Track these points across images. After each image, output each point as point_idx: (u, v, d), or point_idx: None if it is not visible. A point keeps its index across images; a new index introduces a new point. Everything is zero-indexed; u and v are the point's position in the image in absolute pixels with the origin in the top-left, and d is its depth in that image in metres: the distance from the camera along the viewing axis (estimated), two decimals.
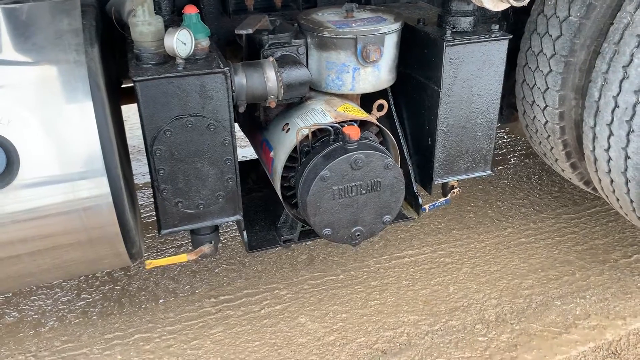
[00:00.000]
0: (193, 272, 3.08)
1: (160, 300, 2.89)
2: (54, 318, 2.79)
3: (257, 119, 2.30)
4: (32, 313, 2.83)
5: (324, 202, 1.95)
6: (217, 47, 2.44)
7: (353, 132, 1.91)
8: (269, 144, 2.21)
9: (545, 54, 2.51)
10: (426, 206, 2.42)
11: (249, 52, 2.19)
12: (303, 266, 3.09)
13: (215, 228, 2.15)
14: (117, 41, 2.21)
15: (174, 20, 2.18)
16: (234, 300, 2.87)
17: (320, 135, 2.05)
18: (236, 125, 2.73)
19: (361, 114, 2.12)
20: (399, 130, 2.41)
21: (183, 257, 2.08)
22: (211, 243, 2.13)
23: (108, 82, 1.95)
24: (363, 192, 1.99)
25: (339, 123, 2.01)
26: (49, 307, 2.86)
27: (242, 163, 2.87)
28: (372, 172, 1.97)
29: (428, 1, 2.84)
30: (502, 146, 4.35)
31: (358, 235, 2.06)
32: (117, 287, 2.99)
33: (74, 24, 1.80)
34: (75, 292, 2.96)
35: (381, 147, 2.03)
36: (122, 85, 2.54)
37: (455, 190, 2.45)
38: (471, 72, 2.15)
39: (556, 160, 2.83)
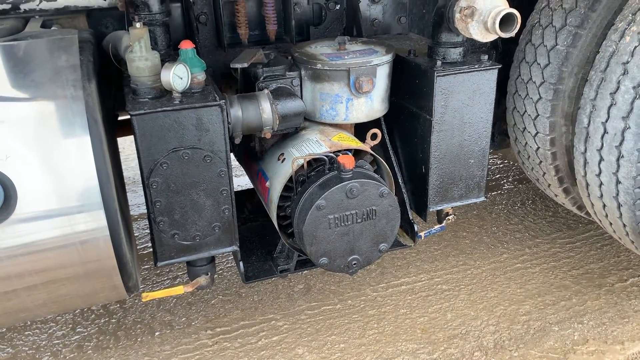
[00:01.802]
0: (189, 304, 3.06)
1: (157, 333, 2.87)
2: (49, 353, 2.76)
3: (252, 149, 2.33)
4: (27, 348, 2.79)
5: (320, 231, 1.96)
6: (213, 80, 2.49)
7: (348, 161, 1.93)
8: (264, 174, 2.23)
9: (534, 82, 2.56)
10: (422, 233, 2.43)
11: (244, 85, 2.23)
12: (300, 296, 3.08)
13: (212, 259, 2.15)
14: (113, 74, 2.24)
15: (169, 54, 2.22)
16: (231, 332, 2.85)
17: (316, 165, 2.07)
18: (232, 155, 2.78)
19: (355, 143, 2.15)
20: (393, 159, 2.44)
21: (179, 289, 2.08)
22: (207, 274, 2.13)
23: (105, 116, 1.98)
24: (359, 220, 2.01)
25: (333, 152, 2.04)
26: (44, 342, 2.83)
27: (237, 193, 2.89)
28: (368, 201, 1.98)
29: (418, 33, 2.91)
30: (495, 172, 4.39)
31: (355, 264, 2.07)
32: (113, 320, 2.96)
33: (72, 60, 1.84)
34: (71, 325, 2.93)
35: (376, 176, 2.05)
36: (118, 118, 2.57)
37: (450, 217, 2.46)
38: (462, 101, 2.19)
39: (549, 185, 2.86)
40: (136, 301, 3.12)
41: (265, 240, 2.50)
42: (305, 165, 2.02)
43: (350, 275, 2.12)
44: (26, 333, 2.88)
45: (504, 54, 2.99)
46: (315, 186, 1.96)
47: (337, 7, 2.67)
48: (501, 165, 4.49)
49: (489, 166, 4.44)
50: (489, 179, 4.27)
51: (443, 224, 2.47)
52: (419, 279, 3.19)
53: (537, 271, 3.23)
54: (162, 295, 2.09)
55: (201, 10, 2.47)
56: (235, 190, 2.97)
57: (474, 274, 3.23)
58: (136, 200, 4.08)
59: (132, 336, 2.86)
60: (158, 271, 3.32)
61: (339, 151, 2.07)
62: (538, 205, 3.92)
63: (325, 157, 1.99)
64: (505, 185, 4.21)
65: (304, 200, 1.96)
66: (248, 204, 2.77)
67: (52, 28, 2.17)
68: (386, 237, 2.08)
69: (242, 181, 4.29)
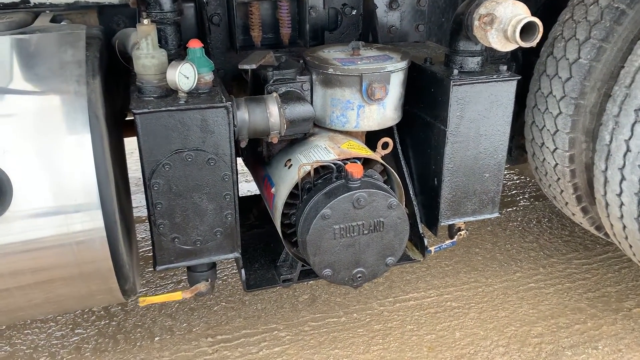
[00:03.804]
0: (191, 309, 3.00)
1: (156, 338, 2.81)
2: (46, 353, 2.71)
3: (259, 154, 2.26)
4: (24, 347, 2.75)
5: (325, 241, 1.89)
6: (223, 81, 2.44)
7: (356, 170, 1.86)
8: (270, 180, 2.17)
9: (554, 96, 2.47)
10: (432, 248, 2.34)
11: (254, 88, 2.18)
12: (304, 306, 3.00)
13: (213, 265, 2.09)
14: (122, 73, 2.20)
15: (180, 53, 2.17)
16: (232, 340, 2.78)
17: (323, 173, 2.00)
18: (239, 159, 2.72)
19: (365, 152, 2.07)
20: (405, 169, 2.36)
21: (178, 295, 2.01)
22: (208, 281, 2.06)
23: (110, 114, 1.93)
24: (365, 232, 1.93)
25: (342, 160, 1.97)
26: (42, 342, 2.79)
27: (244, 198, 2.83)
28: (375, 212, 1.91)
29: (436, 41, 2.84)
30: (511, 187, 4.29)
31: (359, 277, 1.99)
32: (113, 323, 2.91)
33: (78, 55, 1.80)
34: (70, 326, 2.89)
35: (385, 186, 1.98)
36: (127, 118, 2.52)
37: (462, 232, 2.38)
38: (479, 112, 2.11)
39: (566, 203, 2.76)
40: (138, 304, 3.06)
41: (269, 248, 2.43)
42: (312, 172, 1.95)
43: (355, 288, 2.05)
44: (25, 332, 2.84)
45: (524, 66, 2.91)
46: (321, 194, 1.89)
47: (354, 12, 2.61)
48: (517, 181, 4.38)
49: (505, 181, 4.34)
50: (505, 194, 4.17)
51: (454, 239, 2.38)
52: (428, 294, 3.10)
53: (551, 292, 3.12)
54: (160, 301, 2.03)
55: (214, 11, 2.43)
56: (243, 195, 2.96)
57: (485, 292, 3.12)
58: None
59: (131, 340, 2.80)
60: (162, 274, 3.27)
61: (347, 159, 1.99)
62: (554, 223, 3.80)
63: (332, 165, 1.92)
64: (521, 201, 4.10)
65: (309, 209, 1.89)
66: (255, 209, 2.70)
67: (62, 23, 2.14)
68: (394, 251, 2.00)
69: (253, 186, 4.24)
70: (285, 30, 2.51)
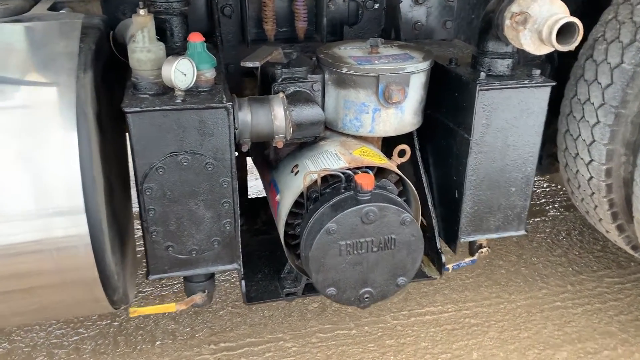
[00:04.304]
0: (195, 313, 2.88)
1: (157, 342, 2.70)
2: (44, 353, 2.63)
3: (267, 156, 2.11)
4: (23, 345, 2.67)
5: (329, 258, 1.73)
6: (233, 78, 2.29)
7: (366, 181, 1.69)
8: (276, 186, 2.02)
9: (592, 103, 2.26)
10: (449, 266, 2.16)
11: (262, 86, 2.02)
12: (313, 316, 2.85)
13: (211, 276, 1.95)
14: (127, 67, 2.07)
15: (186, 47, 2.03)
16: (235, 349, 2.65)
17: (332, 181, 1.84)
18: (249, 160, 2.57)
19: (379, 160, 1.90)
20: (424, 178, 2.18)
21: (172, 307, 1.88)
22: (205, 292, 1.92)
23: (108, 111, 1.80)
24: (375, 249, 1.76)
25: (352, 169, 1.80)
26: (41, 340, 2.70)
27: (252, 200, 2.69)
28: (386, 228, 1.73)
29: (465, 40, 2.63)
30: (540, 196, 4.05)
31: (367, 297, 1.82)
32: (115, 324, 2.81)
33: (71, 47, 1.67)
34: (72, 325, 2.79)
35: (398, 200, 1.80)
36: None
37: (483, 250, 2.19)
38: (507, 121, 1.91)
39: (600, 220, 2.54)
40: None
41: (275, 257, 2.28)
42: (318, 180, 1.79)
43: (362, 309, 1.88)
44: (25, 329, 2.76)
45: (560, 69, 2.69)
46: (327, 207, 1.72)
47: (376, 6, 2.42)
48: (547, 189, 4.14)
49: (534, 189, 4.09)
50: (533, 202, 3.93)
51: (475, 257, 2.20)
52: (446, 309, 2.91)
53: (578, 312, 2.90)
54: (152, 312, 1.90)
55: (226, 1, 2.28)
56: (253, 197, 2.81)
57: (507, 309, 2.92)
58: None
59: (131, 343, 2.69)
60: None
61: (359, 168, 1.82)
62: (585, 236, 3.56)
63: (341, 174, 1.76)
64: (550, 211, 3.86)
65: (314, 222, 1.73)
66: (262, 214, 2.55)
67: (61, 11, 2.01)
68: (406, 271, 1.82)
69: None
70: (301, 24, 2.35)
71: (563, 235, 3.58)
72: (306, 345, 2.67)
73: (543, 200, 4.00)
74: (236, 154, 1.76)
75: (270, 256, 2.28)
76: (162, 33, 2.09)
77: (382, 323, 2.81)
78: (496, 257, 3.33)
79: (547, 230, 3.64)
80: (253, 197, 2.79)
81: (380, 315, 2.85)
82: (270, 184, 2.08)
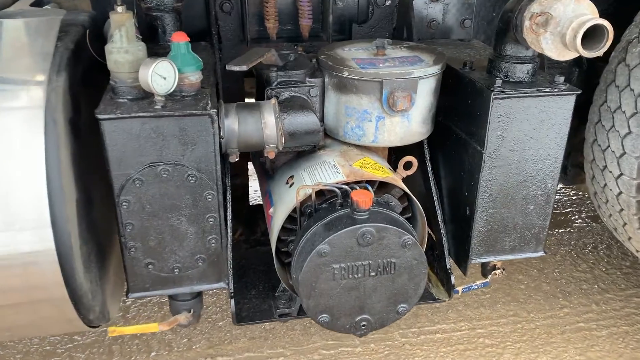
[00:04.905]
0: None
1: (153, 353, 2.58)
2: None
3: (263, 164, 1.96)
4: (15, 352, 2.58)
5: (322, 282, 1.57)
6: (230, 79, 2.14)
7: (364, 198, 1.52)
8: (271, 197, 1.87)
9: (624, 112, 2.05)
10: (459, 288, 1.98)
11: (258, 91, 1.87)
12: (317, 330, 2.69)
13: (197, 294, 1.81)
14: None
15: None
16: None
17: (328, 195, 1.67)
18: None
19: (381, 173, 1.73)
20: (434, 191, 2.00)
21: (154, 327, 1.75)
22: (190, 311, 1.78)
23: (85, 117, 1.67)
24: (372, 273, 1.59)
25: (350, 184, 1.63)
26: (34, 347, 2.60)
27: (253, 208, 2.55)
28: (385, 251, 1.57)
29: (485, 40, 2.43)
30: (565, 205, 3.81)
31: (364, 325, 1.66)
32: None
33: (46, 47, 1.54)
34: None
35: (399, 219, 1.62)
36: None
37: (497, 272, 2.00)
38: (525, 133, 1.72)
39: (629, 238, 2.33)
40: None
41: (272, 272, 2.09)
42: (313, 195, 1.63)
43: (359, 337, 1.72)
44: None
45: (589, 72, 2.47)
46: (320, 225, 1.56)
47: (388, 2, 2.25)
48: (574, 197, 3.90)
49: (559, 197, 3.87)
50: (558, 212, 3.70)
51: (487, 280, 2.01)
52: (459, 327, 2.73)
53: (603, 335, 2.68)
54: (133, 332, 1.77)
55: None
56: (255, 204, 2.67)
57: (525, 329, 2.72)
58: None
59: (126, 353, 2.58)
60: None
61: (358, 182, 1.66)
62: (613, 251, 3.32)
63: (337, 189, 1.59)
64: (577, 222, 3.62)
65: (305, 241, 1.57)
66: (262, 223, 2.40)
67: (46, 7, 1.89)
68: (407, 297, 1.65)
69: None
70: (306, 21, 2.19)
71: (589, 248, 3.35)
72: None
73: (569, 209, 3.76)
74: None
75: (267, 271, 2.13)
76: (153, 31, 1.96)
77: (390, 341, 2.64)
78: (515, 271, 3.12)
79: (572, 242, 3.41)
80: (256, 204, 2.65)
81: (388, 332, 2.68)
82: (266, 195, 1.93)
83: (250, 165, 2.43)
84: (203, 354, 2.57)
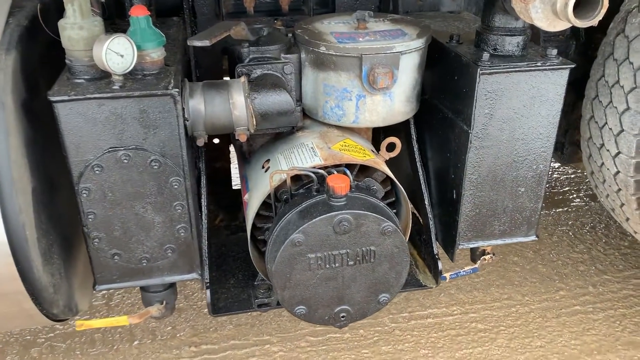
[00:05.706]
0: (179, 310, 2.67)
1: (135, 342, 2.51)
2: (16, 350, 2.46)
3: (240, 147, 1.85)
4: None
5: (297, 273, 1.47)
6: (208, 56, 2.03)
7: (340, 183, 1.42)
8: (247, 182, 1.76)
9: (622, 87, 1.93)
10: (447, 275, 1.88)
11: (230, 69, 1.75)
12: None
13: (170, 285, 1.72)
14: None
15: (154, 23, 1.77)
16: (217, 352, 2.45)
17: (305, 180, 1.57)
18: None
19: (361, 156, 1.62)
20: (420, 173, 1.90)
21: (124, 320, 1.66)
22: (162, 303, 1.70)
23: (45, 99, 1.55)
24: (351, 262, 1.50)
25: (327, 168, 1.53)
26: (14, 338, 2.53)
27: (235, 193, 2.45)
28: (364, 239, 1.47)
29: (476, 12, 2.30)
30: (564, 183, 3.70)
31: (343, 317, 1.57)
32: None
33: None
34: None
35: (379, 205, 1.52)
36: None
37: (487, 257, 1.90)
38: (514, 110, 1.60)
39: (627, 219, 2.23)
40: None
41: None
42: (288, 180, 1.53)
43: (339, 328, 1.63)
44: None
45: (586, 45, 2.35)
46: (294, 213, 1.46)
47: None
48: (572, 176, 3.79)
49: (557, 175, 3.76)
50: (555, 191, 3.60)
51: (477, 265, 1.92)
52: (450, 311, 2.65)
53: (600, 318, 2.60)
54: (100, 326, 1.69)
55: None
56: (237, 188, 2.56)
57: (519, 312, 2.64)
58: None
59: (108, 342, 2.51)
60: None
61: (337, 166, 1.55)
62: (612, 231, 3.23)
63: (312, 174, 1.49)
64: (574, 201, 3.52)
65: (279, 229, 1.47)
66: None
67: None
68: (389, 286, 1.56)
69: None
70: None
71: (587, 228, 3.26)
72: (294, 349, 2.44)
73: (566, 188, 3.66)
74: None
75: (247, 258, 2.02)
76: (122, 7, 1.85)
77: (379, 326, 2.56)
78: (510, 253, 3.03)
79: (570, 222, 3.31)
80: (238, 188, 2.55)
81: (377, 317, 2.60)
82: (243, 180, 1.83)
83: (232, 148, 2.33)
84: (187, 342, 2.50)
